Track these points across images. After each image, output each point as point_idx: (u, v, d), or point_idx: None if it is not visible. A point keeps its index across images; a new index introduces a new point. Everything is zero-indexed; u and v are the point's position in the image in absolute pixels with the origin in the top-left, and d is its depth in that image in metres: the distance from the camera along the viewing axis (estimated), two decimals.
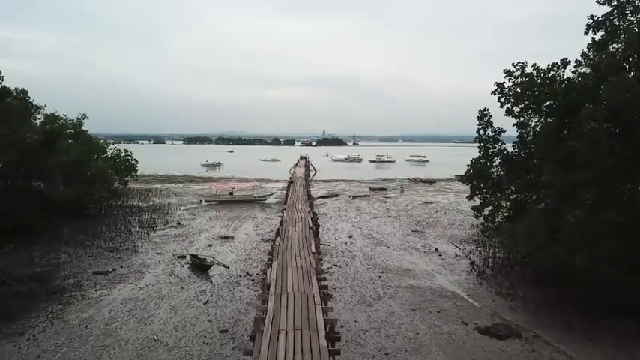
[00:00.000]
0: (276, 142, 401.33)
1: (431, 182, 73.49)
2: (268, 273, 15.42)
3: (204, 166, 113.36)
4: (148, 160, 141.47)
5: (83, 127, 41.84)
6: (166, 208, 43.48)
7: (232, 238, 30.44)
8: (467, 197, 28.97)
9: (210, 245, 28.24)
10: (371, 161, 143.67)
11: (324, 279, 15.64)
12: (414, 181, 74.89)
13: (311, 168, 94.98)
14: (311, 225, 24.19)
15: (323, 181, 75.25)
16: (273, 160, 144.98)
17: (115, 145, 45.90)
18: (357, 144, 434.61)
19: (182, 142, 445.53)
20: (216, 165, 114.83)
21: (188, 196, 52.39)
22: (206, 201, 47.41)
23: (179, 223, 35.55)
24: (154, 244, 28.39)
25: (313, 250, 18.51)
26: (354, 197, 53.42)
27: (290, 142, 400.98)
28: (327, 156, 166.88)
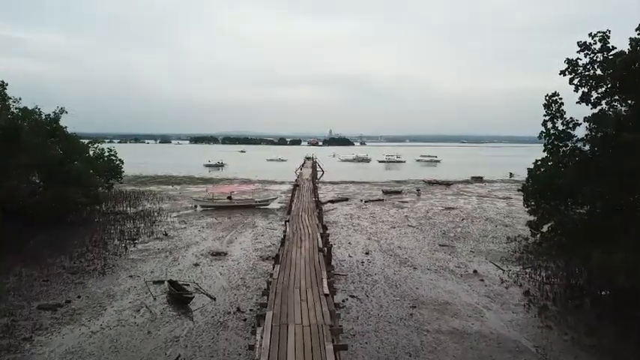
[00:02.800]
0: (282, 141, 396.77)
1: (447, 184, 68.07)
2: (258, 336, 10.16)
3: (207, 166, 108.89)
4: (151, 159, 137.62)
5: (70, 127, 37.32)
6: (156, 214, 38.54)
7: (225, 254, 25.35)
8: (528, 212, 23.70)
9: (197, 265, 23.16)
10: (380, 161, 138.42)
11: (345, 347, 10.48)
12: (430, 182, 69.49)
13: (318, 169, 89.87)
14: (321, 245, 18.91)
15: (331, 182, 70.13)
16: (280, 159, 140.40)
17: (98, 144, 40.85)
18: (365, 144, 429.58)
19: (188, 141, 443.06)
20: (220, 165, 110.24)
21: (183, 200, 47.50)
22: (201, 206, 42.44)
23: (166, 234, 30.55)
24: (130, 263, 23.36)
25: (326, 289, 13.22)
26: (366, 201, 48.21)
27: (296, 142, 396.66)
28: (334, 156, 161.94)
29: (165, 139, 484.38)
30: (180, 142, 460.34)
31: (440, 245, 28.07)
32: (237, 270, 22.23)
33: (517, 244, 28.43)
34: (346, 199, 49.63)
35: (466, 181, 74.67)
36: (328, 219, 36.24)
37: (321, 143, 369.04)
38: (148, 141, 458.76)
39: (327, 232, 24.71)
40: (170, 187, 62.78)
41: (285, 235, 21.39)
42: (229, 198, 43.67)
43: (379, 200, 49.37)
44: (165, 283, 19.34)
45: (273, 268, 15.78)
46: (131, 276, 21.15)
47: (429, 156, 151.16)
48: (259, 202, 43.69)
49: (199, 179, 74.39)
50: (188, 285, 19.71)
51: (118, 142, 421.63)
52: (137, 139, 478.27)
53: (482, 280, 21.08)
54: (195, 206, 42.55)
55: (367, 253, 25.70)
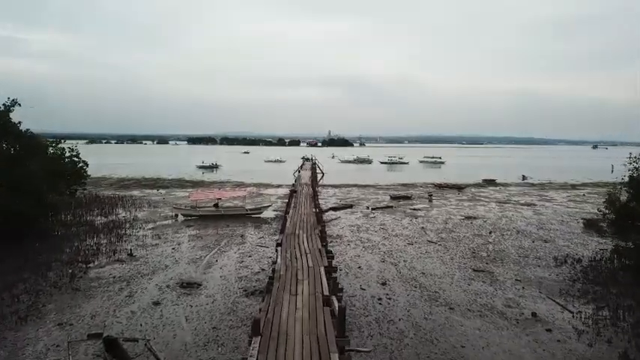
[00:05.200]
0: (281, 142, 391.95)
1: (460, 188, 62.24)
2: None
3: (200, 167, 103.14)
4: (142, 160, 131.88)
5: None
6: (127, 226, 32.63)
7: (199, 285, 19.42)
8: (610, 232, 17.91)
9: (157, 304, 17.21)
10: (382, 162, 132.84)
11: None
12: (440, 186, 63.67)
13: (317, 171, 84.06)
14: (327, 292, 12.79)
15: (332, 186, 64.29)
16: (278, 161, 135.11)
17: (61, 144, 34.89)
18: (364, 144, 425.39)
19: (186, 142, 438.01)
20: (214, 166, 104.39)
21: (165, 207, 41.57)
22: (183, 215, 36.48)
23: (131, 254, 24.60)
24: (68, 301, 17.43)
25: None
26: (373, 209, 42.37)
27: (295, 143, 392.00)
28: (333, 157, 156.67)
29: (162, 140, 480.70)
30: (177, 142, 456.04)
31: (474, 270, 22.19)
32: (210, 313, 16.30)
33: (570, 268, 22.60)
34: (350, 206, 43.78)
35: (478, 185, 69.04)
36: (331, 232, 30.41)
37: (320, 144, 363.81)
38: (146, 142, 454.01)
39: (336, 267, 18.40)
40: (154, 191, 56.82)
41: (273, 272, 15.31)
42: (216, 206, 37.72)
43: (388, 207, 43.53)
44: (101, 342, 13.38)
45: (250, 343, 9.69)
46: (61, 324, 15.20)
47: (432, 157, 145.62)
48: (251, 210, 37.78)
49: (189, 182, 68.42)
50: (137, 341, 13.83)
51: (115, 143, 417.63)
52: (135, 139, 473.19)
53: (550, 330, 15.17)
54: (176, 215, 36.59)
55: (384, 284, 19.80)
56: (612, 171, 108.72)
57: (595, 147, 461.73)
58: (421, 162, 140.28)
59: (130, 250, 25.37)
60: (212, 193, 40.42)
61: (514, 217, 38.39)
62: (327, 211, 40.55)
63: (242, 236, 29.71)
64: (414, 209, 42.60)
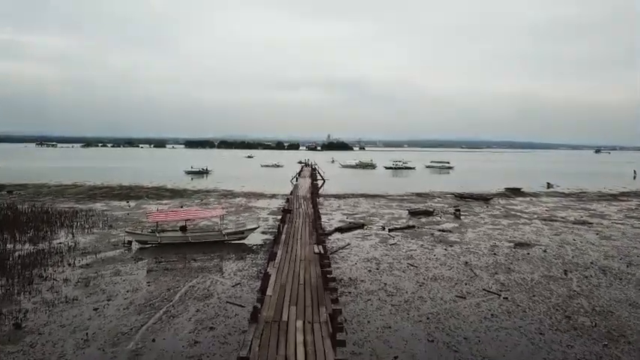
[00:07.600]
0: (280, 145, 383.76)
1: (485, 199, 52.86)
2: None
3: (189, 173, 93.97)
4: (133, 164, 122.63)
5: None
6: (54, 260, 23.20)
7: None
8: None
9: None
10: (386, 168, 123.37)
11: None
12: (462, 197, 54.24)
13: (318, 177, 74.77)
14: None
15: (335, 196, 54.90)
16: (275, 165, 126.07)
17: None
18: (364, 148, 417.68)
19: (184, 145, 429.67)
20: (204, 172, 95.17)
21: (123, 228, 32.10)
22: (138, 242, 27.00)
23: (18, 324, 15.12)
24: None
25: None
26: (390, 230, 33.02)
27: (294, 146, 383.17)
28: (332, 161, 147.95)
29: (159, 144, 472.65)
30: (175, 146, 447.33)
31: None
32: None
33: None
34: (361, 226, 34.36)
35: (504, 195, 59.61)
36: (341, 270, 21.04)
37: (319, 148, 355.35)
38: (143, 145, 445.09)
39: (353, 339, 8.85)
40: (123, 203, 47.30)
41: None
42: (183, 229, 28.25)
43: (409, 227, 34.13)
44: None
45: None
46: None
47: (440, 162, 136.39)
48: (230, 235, 28.27)
49: (168, 191, 58.80)
50: None
51: (112, 146, 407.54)
52: (131, 142, 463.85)
53: None
54: (129, 242, 27.11)
55: None
56: (635, 177, 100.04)
57: (598, 151, 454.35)
58: (428, 167, 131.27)
59: (24, 314, 15.93)
60: (177, 213, 30.51)
61: (580, 245, 29.00)
62: (331, 233, 31.28)
63: (210, 280, 20.30)
64: (442, 230, 33.21)
